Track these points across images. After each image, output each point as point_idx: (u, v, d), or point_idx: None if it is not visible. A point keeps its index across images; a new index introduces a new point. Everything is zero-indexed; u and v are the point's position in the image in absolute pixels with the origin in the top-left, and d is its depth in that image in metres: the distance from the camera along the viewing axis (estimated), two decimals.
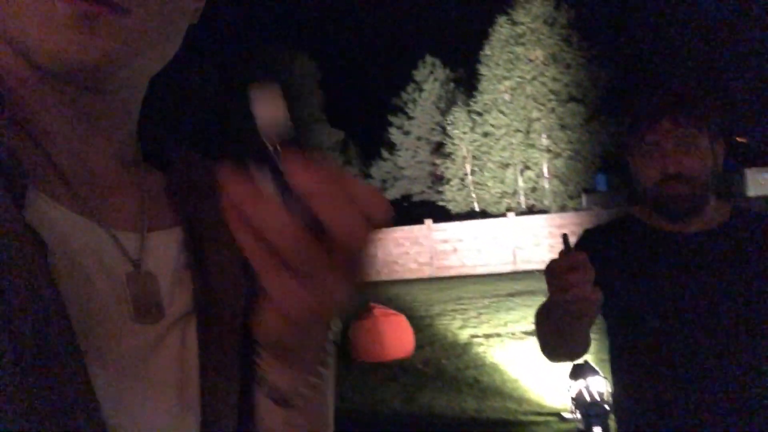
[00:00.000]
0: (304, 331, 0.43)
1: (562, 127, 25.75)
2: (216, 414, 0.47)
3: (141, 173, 0.51)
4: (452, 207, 28.27)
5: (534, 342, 1.80)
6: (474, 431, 4.30)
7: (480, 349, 6.70)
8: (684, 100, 1.31)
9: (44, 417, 0.35)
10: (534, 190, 26.73)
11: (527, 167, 26.68)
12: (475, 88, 28.38)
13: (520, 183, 26.86)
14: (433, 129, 31.96)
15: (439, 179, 30.72)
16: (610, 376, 1.45)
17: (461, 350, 6.77)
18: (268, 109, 0.35)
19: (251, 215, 0.34)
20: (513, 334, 7.42)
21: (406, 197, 31.87)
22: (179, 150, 0.57)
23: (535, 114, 25.97)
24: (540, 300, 1.36)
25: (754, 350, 1.25)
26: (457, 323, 8.57)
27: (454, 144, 28.75)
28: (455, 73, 32.54)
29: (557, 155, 25.95)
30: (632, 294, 1.33)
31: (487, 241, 17.39)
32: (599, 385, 3.78)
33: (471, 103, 28.64)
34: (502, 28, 27.03)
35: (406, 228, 18.10)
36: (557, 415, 4.34)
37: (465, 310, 9.84)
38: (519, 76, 26.30)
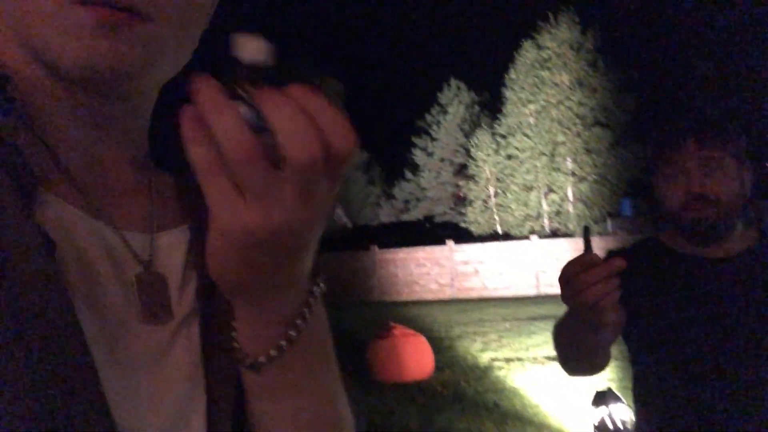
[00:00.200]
0: (260, 268, 0.39)
1: (588, 151, 25.62)
2: (221, 414, 0.47)
3: (151, 175, 0.51)
4: (474, 228, 28.19)
5: (556, 367, 1.77)
6: None
7: (500, 373, 6.60)
8: (709, 122, 1.30)
9: (54, 418, 0.34)
10: (558, 213, 26.55)
11: (551, 190, 26.55)
12: (500, 111, 28.47)
13: (544, 206, 26.69)
14: (456, 151, 32.06)
15: (461, 200, 30.69)
16: (633, 405, 1.41)
17: (481, 373, 6.67)
18: (249, 52, 0.35)
19: (213, 124, 0.33)
20: (534, 358, 7.30)
21: (429, 218, 31.87)
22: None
23: (560, 137, 25.90)
24: None
25: None
26: (477, 346, 8.46)
27: (477, 166, 28.78)
28: (480, 96, 32.72)
29: (582, 179, 25.79)
30: (654, 318, 1.31)
31: (509, 264, 17.25)
32: (622, 414, 3.68)
33: (495, 126, 28.72)
34: (527, 53, 27.17)
35: (428, 248, 18.07)
36: None
37: (486, 332, 9.72)
38: (544, 100, 26.32)
